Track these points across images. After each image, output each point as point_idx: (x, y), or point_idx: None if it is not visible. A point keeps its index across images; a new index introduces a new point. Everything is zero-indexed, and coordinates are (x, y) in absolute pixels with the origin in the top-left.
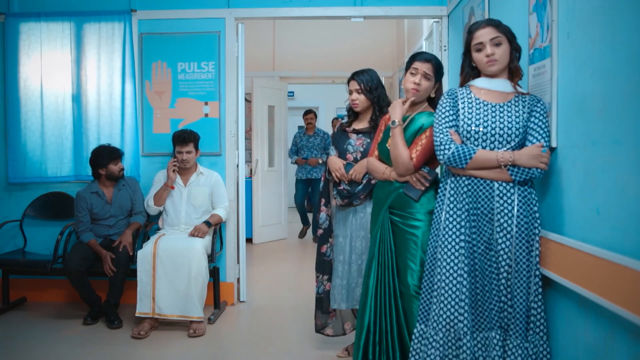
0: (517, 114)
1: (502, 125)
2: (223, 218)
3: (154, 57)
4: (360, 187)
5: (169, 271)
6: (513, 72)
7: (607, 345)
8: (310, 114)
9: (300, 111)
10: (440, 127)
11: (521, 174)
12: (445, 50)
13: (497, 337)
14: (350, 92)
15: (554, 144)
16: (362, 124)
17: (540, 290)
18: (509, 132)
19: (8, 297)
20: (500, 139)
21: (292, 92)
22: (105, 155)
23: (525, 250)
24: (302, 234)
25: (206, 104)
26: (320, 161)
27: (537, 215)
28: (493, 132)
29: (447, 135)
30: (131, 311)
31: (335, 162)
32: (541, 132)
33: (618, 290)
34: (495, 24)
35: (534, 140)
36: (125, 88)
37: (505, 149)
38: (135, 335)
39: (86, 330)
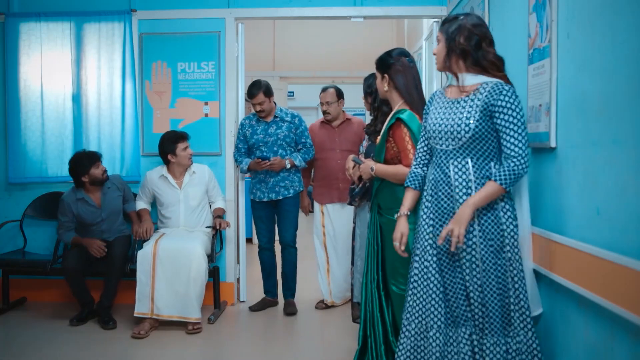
0: (469, 109)
1: (452, 122)
2: (225, 208)
3: (154, 57)
4: (357, 189)
5: (169, 272)
6: (484, 67)
7: (607, 345)
8: (257, 94)
9: (300, 111)
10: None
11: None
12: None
13: (467, 332)
14: None
15: (553, 144)
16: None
17: (522, 286)
18: (459, 128)
19: (8, 297)
20: (452, 136)
21: (292, 92)
22: (85, 161)
23: (490, 248)
24: (259, 306)
25: (206, 104)
26: (289, 164)
27: (504, 212)
28: (446, 129)
29: (415, 157)
30: (128, 311)
31: (348, 160)
32: (508, 130)
33: (618, 290)
34: (442, 23)
35: (506, 138)
36: (125, 88)
37: (454, 146)
38: (136, 335)
39: (86, 330)
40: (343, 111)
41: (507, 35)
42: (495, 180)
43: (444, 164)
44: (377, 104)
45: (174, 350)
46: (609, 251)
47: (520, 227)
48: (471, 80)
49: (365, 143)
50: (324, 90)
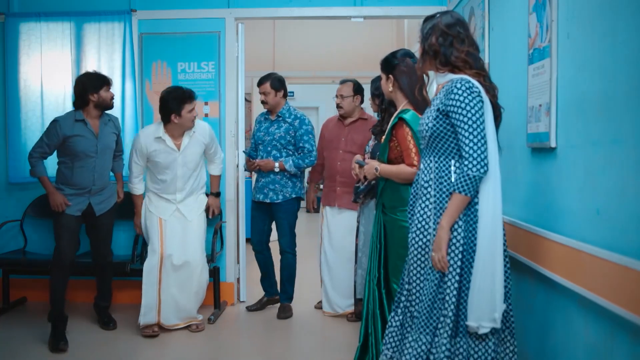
0: (432, 109)
1: (423, 122)
2: (221, 173)
3: (154, 57)
4: (362, 187)
5: (173, 284)
6: (455, 66)
7: (607, 345)
8: (264, 83)
9: (300, 111)
10: None
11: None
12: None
13: (392, 318)
14: None
15: (553, 144)
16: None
17: (452, 292)
18: (421, 128)
19: (8, 297)
20: (421, 135)
21: (292, 92)
22: (96, 79)
23: (416, 244)
24: (257, 305)
25: (206, 104)
26: (277, 168)
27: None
28: (420, 128)
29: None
30: (128, 310)
31: (353, 161)
32: (460, 130)
33: (618, 290)
34: (423, 22)
35: (460, 138)
36: (126, 88)
37: (424, 145)
38: (149, 333)
39: (87, 330)
40: (361, 109)
41: (507, 35)
42: (454, 190)
43: (421, 163)
44: (384, 105)
45: (174, 351)
46: (609, 251)
47: (481, 233)
48: (441, 79)
49: (371, 142)
50: (342, 82)
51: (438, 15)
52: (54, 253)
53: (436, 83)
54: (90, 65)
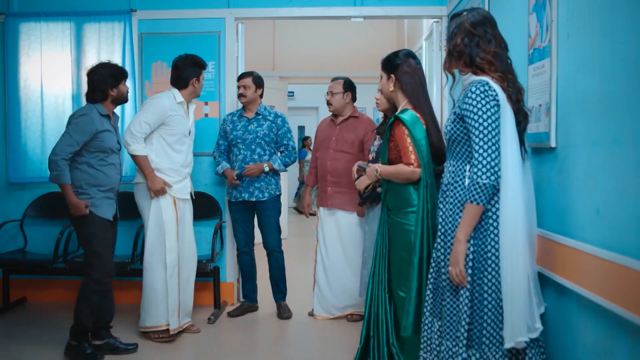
0: (452, 111)
1: (445, 125)
2: None
3: (154, 57)
4: (366, 193)
5: (184, 281)
6: (479, 67)
7: (607, 345)
8: (245, 77)
9: (300, 111)
10: None
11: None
12: (445, 50)
13: (436, 326)
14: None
15: (553, 144)
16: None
17: (480, 304)
18: (446, 131)
19: (8, 297)
20: (445, 138)
21: (292, 92)
22: (117, 72)
23: (438, 245)
24: (237, 311)
25: (206, 104)
26: (267, 168)
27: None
28: (444, 131)
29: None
30: (124, 311)
31: (354, 167)
32: (472, 136)
33: (618, 290)
34: (450, 19)
35: (472, 144)
36: None
37: (447, 148)
38: (158, 339)
39: None
40: (354, 107)
41: (507, 35)
42: (466, 200)
43: (444, 166)
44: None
45: (174, 351)
46: (609, 251)
47: (503, 248)
48: (465, 80)
49: (376, 142)
50: (334, 79)
51: (465, 13)
52: (90, 272)
53: (462, 84)
54: (90, 65)
